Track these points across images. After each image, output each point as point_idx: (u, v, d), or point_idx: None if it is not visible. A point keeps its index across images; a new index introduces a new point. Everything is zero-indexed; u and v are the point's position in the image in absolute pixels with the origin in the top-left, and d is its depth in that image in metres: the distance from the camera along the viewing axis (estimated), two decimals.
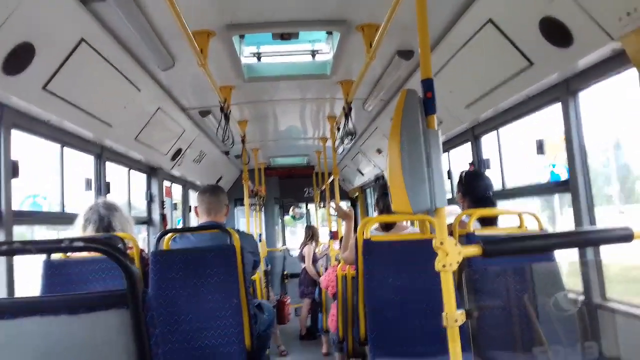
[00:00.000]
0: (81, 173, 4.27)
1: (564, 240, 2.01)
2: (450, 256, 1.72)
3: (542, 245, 2.05)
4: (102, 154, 4.36)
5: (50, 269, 2.97)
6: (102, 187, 4.39)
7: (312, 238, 8.48)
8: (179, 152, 5.85)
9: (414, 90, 1.84)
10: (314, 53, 4.23)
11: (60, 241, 1.23)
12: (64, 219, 3.70)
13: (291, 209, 11.52)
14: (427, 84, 1.82)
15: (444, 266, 1.72)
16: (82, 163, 4.20)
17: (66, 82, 3.08)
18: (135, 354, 1.23)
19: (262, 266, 6.27)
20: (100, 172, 4.38)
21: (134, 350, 1.23)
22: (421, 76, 1.84)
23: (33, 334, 1.22)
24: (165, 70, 3.66)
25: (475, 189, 3.62)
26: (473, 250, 1.77)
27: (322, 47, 4.15)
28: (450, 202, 4.20)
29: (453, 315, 1.70)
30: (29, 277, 3.24)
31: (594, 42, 2.44)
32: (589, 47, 2.51)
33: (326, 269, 7.76)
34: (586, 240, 2.13)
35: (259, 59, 4.27)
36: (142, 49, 3.31)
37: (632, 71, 2.39)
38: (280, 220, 11.61)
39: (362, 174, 9.18)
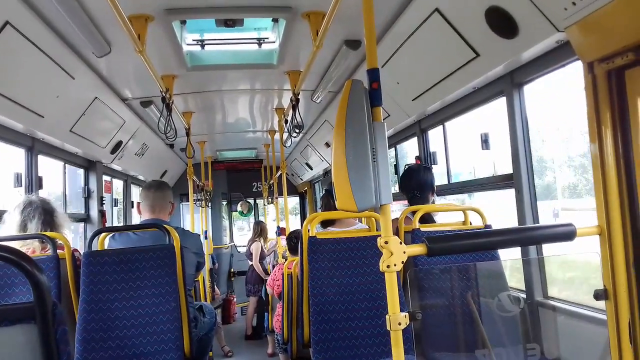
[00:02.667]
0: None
1: (508, 237, 1.99)
2: (394, 256, 1.66)
3: (486, 243, 2.02)
4: (34, 146, 4.09)
5: None
6: (34, 183, 4.13)
7: (261, 234, 8.36)
8: (119, 144, 5.59)
9: (360, 80, 1.77)
10: (260, 41, 4.10)
11: None
12: None
13: (239, 205, 11.32)
14: (373, 74, 1.75)
15: (388, 267, 1.65)
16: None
17: None
18: None
19: (207, 265, 6.10)
20: (31, 166, 4.11)
21: None
22: (367, 66, 1.76)
23: None
24: (101, 57, 3.44)
25: (406, 187, 3.63)
26: (417, 249, 1.72)
27: (269, 36, 4.03)
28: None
29: (397, 318, 1.64)
30: None
31: (540, 33, 2.43)
32: (534, 39, 2.50)
33: (273, 266, 7.67)
34: (530, 238, 2.13)
35: (202, 46, 4.09)
36: (75, 33, 3.09)
37: (577, 64, 2.39)
38: (227, 216, 11.39)
39: (311, 169, 9.11)
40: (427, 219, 3.41)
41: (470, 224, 3.37)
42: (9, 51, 2.90)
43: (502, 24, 2.56)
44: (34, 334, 1.09)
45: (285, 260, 5.94)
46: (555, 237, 1.93)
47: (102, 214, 5.61)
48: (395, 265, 1.67)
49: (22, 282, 2.79)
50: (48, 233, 2.91)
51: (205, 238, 7.44)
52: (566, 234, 1.86)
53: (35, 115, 3.60)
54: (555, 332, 2.86)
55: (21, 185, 4.02)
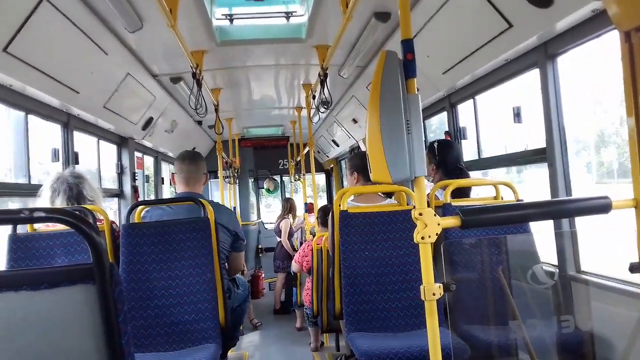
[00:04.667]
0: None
1: (543, 210, 1.98)
2: (429, 227, 1.67)
3: (520, 215, 2.02)
4: (69, 122, 4.19)
5: (16, 243, 2.86)
6: (70, 158, 4.23)
7: (290, 211, 8.42)
8: (150, 121, 5.68)
9: (394, 51, 1.76)
10: (288, 15, 4.09)
11: (19, 211, 1.14)
12: (31, 189, 3.55)
13: (265, 182, 11.40)
14: (408, 45, 1.74)
15: (422, 238, 1.66)
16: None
17: (28, 45, 2.91)
18: (103, 331, 1.15)
19: None
20: (67, 141, 4.22)
21: (101, 327, 1.15)
22: (401, 36, 1.76)
23: None
24: (134, 32, 3.49)
25: (448, 160, 3.59)
26: (452, 221, 1.73)
27: (297, 9, 4.02)
28: None
29: (431, 289, 1.66)
30: None
31: (575, 1, 2.38)
32: (570, 7, 2.46)
33: (301, 243, 7.73)
34: (564, 210, 2.11)
35: (231, 21, 4.11)
36: (108, 8, 3.14)
37: (613, 34, 2.34)
38: (254, 193, 11.49)
39: (337, 145, 9.11)
40: (462, 193, 3.39)
41: (502, 199, 3.35)
42: (45, 27, 2.96)
43: None
44: (93, 293, 1.15)
45: (313, 236, 6.01)
46: (591, 210, 1.91)
47: (135, 189, 5.72)
48: (429, 236, 1.68)
49: (64, 252, 2.90)
50: (87, 206, 2.99)
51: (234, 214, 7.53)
52: (601, 207, 1.84)
53: (71, 90, 3.68)
54: (587, 305, 2.86)
55: (58, 161, 4.13)
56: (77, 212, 1.17)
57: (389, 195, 3.59)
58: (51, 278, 1.15)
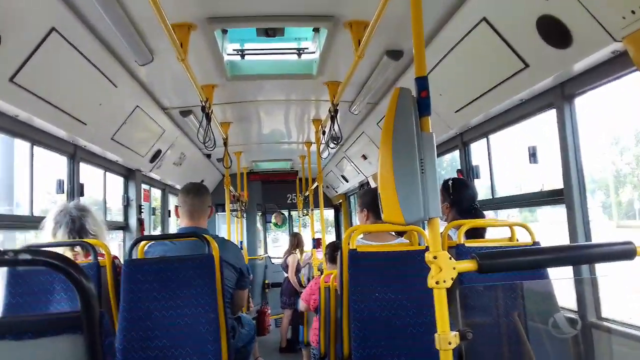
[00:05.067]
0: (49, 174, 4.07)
1: (564, 255, 1.87)
2: (443, 271, 1.58)
3: (540, 260, 1.91)
4: (76, 154, 4.15)
5: (15, 278, 2.77)
6: (76, 190, 4.18)
7: (298, 246, 8.30)
8: (158, 153, 5.65)
9: (408, 88, 1.70)
10: (300, 52, 4.08)
11: (3, 253, 1.05)
12: (33, 222, 3.49)
13: (273, 216, 11.31)
14: (422, 83, 1.69)
15: (437, 282, 1.57)
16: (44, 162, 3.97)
17: (36, 75, 2.90)
18: None
19: None
20: (73, 173, 4.17)
21: None
22: (415, 74, 1.70)
23: None
24: (144, 65, 3.48)
25: (463, 199, 3.49)
26: (468, 265, 1.63)
27: (309, 46, 4.01)
28: None
29: (447, 338, 1.55)
30: None
31: (595, 43, 2.32)
32: (589, 48, 2.40)
33: (308, 279, 7.59)
34: (586, 256, 2.00)
35: (242, 56, 4.10)
36: (119, 41, 3.13)
37: (635, 75, 2.28)
38: (262, 227, 11.39)
39: (347, 181, 9.04)
40: (477, 233, 3.28)
41: (517, 240, 3.24)
42: (54, 57, 2.94)
43: (555, 33, 2.46)
44: (81, 345, 1.05)
45: (321, 272, 5.88)
46: (614, 256, 1.81)
47: (140, 222, 5.65)
48: (444, 281, 1.58)
49: (64, 288, 2.80)
50: (89, 240, 2.91)
51: (241, 248, 7.44)
52: (625, 253, 1.74)
53: (79, 122, 3.65)
54: (610, 355, 2.71)
55: (63, 192, 4.08)
56: (65, 255, 1.08)
57: (400, 233, 3.49)
58: (35, 327, 1.05)
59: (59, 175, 4.11)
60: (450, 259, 1.60)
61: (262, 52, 4.18)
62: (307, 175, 8.02)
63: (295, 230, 10.85)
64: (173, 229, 7.19)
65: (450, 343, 1.58)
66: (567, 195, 2.95)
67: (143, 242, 3.10)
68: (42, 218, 3.15)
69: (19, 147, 3.44)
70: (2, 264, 1.06)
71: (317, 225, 7.96)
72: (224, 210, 7.32)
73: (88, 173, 4.51)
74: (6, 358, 1.06)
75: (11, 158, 3.65)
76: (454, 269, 1.60)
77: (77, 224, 3.01)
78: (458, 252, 3.00)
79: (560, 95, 2.92)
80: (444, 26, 3.13)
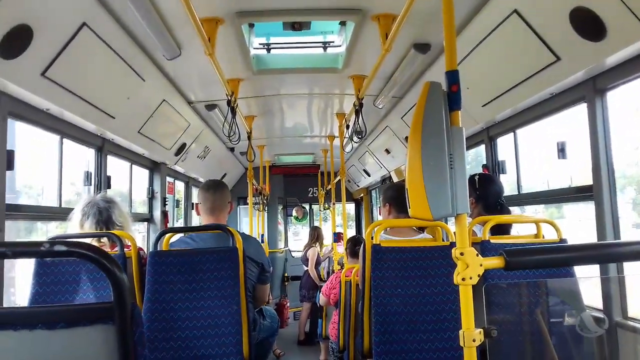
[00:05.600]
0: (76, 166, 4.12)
1: (591, 253, 1.84)
2: (470, 268, 1.57)
3: (567, 258, 1.88)
4: (104, 147, 4.21)
5: (42, 267, 2.82)
6: (103, 182, 4.24)
7: (317, 240, 8.32)
8: (183, 147, 5.70)
9: (438, 82, 1.69)
10: (325, 45, 4.07)
11: (39, 244, 1.07)
12: (61, 213, 3.56)
13: (294, 210, 11.34)
14: (453, 77, 1.68)
15: (463, 279, 1.55)
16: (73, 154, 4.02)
17: (66, 69, 2.94)
18: None
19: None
20: (100, 165, 4.23)
21: None
22: (446, 67, 1.69)
23: (3, 350, 1.05)
24: (172, 59, 3.51)
25: (489, 195, 3.44)
26: (495, 262, 1.61)
27: (335, 39, 4.00)
28: None
29: (471, 335, 1.54)
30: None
31: (629, 35, 2.27)
32: (623, 41, 2.34)
33: (328, 273, 7.61)
34: (616, 254, 1.96)
35: (268, 50, 4.11)
36: (147, 35, 3.16)
37: None
38: (283, 221, 11.44)
39: (369, 175, 9.02)
40: (502, 230, 3.24)
41: (543, 237, 3.19)
42: (85, 52, 2.98)
43: (588, 25, 2.41)
44: (113, 334, 1.07)
45: (341, 267, 5.88)
46: None
47: (164, 214, 5.72)
48: (470, 278, 1.57)
49: (89, 278, 2.85)
50: (116, 232, 2.95)
51: (262, 242, 7.48)
52: None
53: (107, 115, 3.70)
54: (635, 353, 2.66)
55: (90, 184, 4.14)
56: (98, 246, 1.10)
57: (421, 228, 3.47)
58: (68, 316, 1.07)
59: (82, 168, 4.17)
60: (477, 255, 1.59)
61: (287, 46, 4.18)
62: (329, 169, 8.01)
63: (316, 224, 10.87)
64: (196, 221, 7.25)
65: (474, 340, 1.57)
66: (596, 192, 2.89)
67: (168, 235, 3.14)
68: (70, 209, 3.22)
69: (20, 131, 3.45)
70: (38, 254, 1.08)
71: (338, 219, 7.97)
72: (246, 204, 7.37)
73: (112, 166, 4.56)
74: (39, 347, 1.08)
75: (60, 157, 3.68)
76: (481, 265, 1.59)
77: (104, 216, 3.05)
78: (483, 248, 2.97)
79: (592, 89, 2.86)
80: (473, 18, 3.09)
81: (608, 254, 1.94)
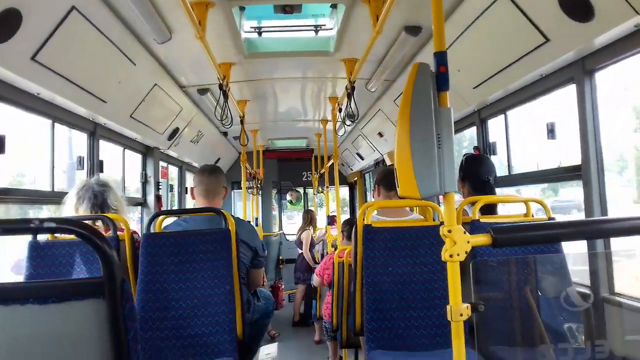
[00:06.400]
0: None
1: (578, 230, 1.87)
2: (458, 245, 1.60)
3: (554, 235, 1.92)
4: (96, 131, 4.21)
5: (36, 250, 2.84)
6: (95, 166, 4.25)
7: (310, 223, 8.39)
8: (176, 131, 5.70)
9: (426, 63, 1.71)
10: (317, 28, 4.07)
11: (29, 221, 1.09)
12: (54, 197, 3.57)
13: (288, 194, 11.38)
14: (441, 58, 1.70)
15: (450, 256, 1.59)
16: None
17: (56, 53, 2.93)
18: (111, 349, 1.10)
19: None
20: (93, 150, 4.24)
21: (110, 345, 1.10)
22: (434, 48, 1.70)
23: None
24: (162, 43, 3.50)
25: (475, 174, 3.50)
26: (482, 239, 1.64)
27: (326, 22, 3.99)
28: None
29: (458, 309, 1.58)
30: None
31: (617, 16, 2.29)
32: (611, 22, 2.36)
33: (322, 255, 7.67)
34: (602, 230, 1.99)
35: (259, 34, 4.10)
36: (137, 19, 3.15)
37: None
38: (277, 205, 11.48)
39: (362, 159, 9.05)
40: (489, 209, 3.29)
41: (533, 217, 3.24)
42: (75, 36, 2.97)
43: (576, 6, 2.42)
44: (103, 309, 1.10)
45: (335, 249, 5.93)
46: (631, 230, 1.80)
47: (158, 198, 5.73)
48: (458, 255, 1.61)
49: (83, 260, 2.88)
50: (109, 214, 2.97)
51: (256, 225, 7.52)
52: None
53: (98, 100, 3.69)
54: (621, 329, 2.72)
55: (83, 168, 4.15)
56: (89, 224, 1.13)
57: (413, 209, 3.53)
58: (59, 292, 1.10)
59: (72, 153, 4.18)
60: (464, 233, 1.62)
61: (279, 29, 4.17)
62: (322, 153, 8.04)
63: (310, 208, 10.93)
64: (190, 205, 7.27)
65: (461, 315, 1.60)
66: (584, 171, 2.93)
67: (161, 217, 3.16)
68: (63, 193, 3.23)
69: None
70: (28, 231, 1.10)
71: (333, 205, 8.01)
72: (240, 188, 7.39)
73: (105, 152, 4.56)
74: (31, 321, 1.11)
75: (52, 142, 3.66)
76: (468, 242, 1.62)
77: (99, 199, 3.07)
78: (472, 227, 3.02)
79: (581, 70, 2.88)
80: (463, 1, 3.10)
81: (595, 230, 1.97)
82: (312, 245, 8.21)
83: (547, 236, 1.93)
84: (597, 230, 2.00)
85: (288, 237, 10.68)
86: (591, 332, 2.33)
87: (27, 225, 1.08)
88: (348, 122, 5.05)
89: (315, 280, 5.75)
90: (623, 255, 2.98)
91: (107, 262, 1.08)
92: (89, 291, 1.10)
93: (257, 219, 8.69)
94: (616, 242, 2.88)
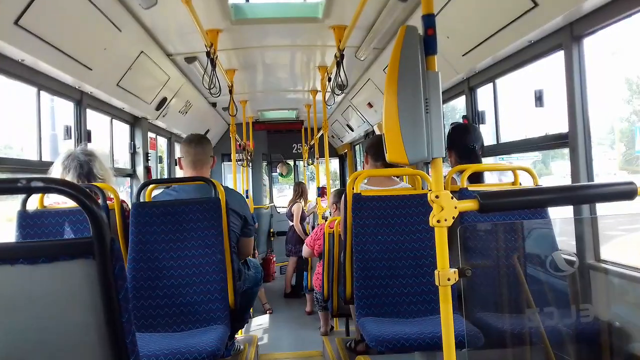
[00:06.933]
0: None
1: (564, 195, 1.90)
2: (445, 211, 1.61)
3: (540, 200, 1.94)
4: (82, 100, 4.15)
5: (25, 219, 2.84)
6: (83, 136, 4.21)
7: (301, 195, 8.41)
8: (164, 101, 5.63)
9: (414, 26, 1.69)
10: None
11: (16, 180, 1.08)
12: (41, 167, 3.54)
13: (278, 166, 11.36)
14: (429, 20, 1.67)
15: (438, 221, 1.60)
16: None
17: (40, 18, 2.86)
18: (102, 309, 1.10)
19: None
20: (80, 119, 4.18)
21: (101, 304, 1.10)
22: (422, 11, 1.68)
23: None
24: (148, 8, 3.42)
25: (461, 142, 3.53)
26: (469, 204, 1.66)
27: None
28: None
29: (446, 274, 1.60)
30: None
31: None
32: None
33: (313, 227, 7.72)
34: (587, 196, 2.02)
35: None
36: None
37: None
38: (267, 177, 11.48)
39: (352, 130, 9.03)
40: (477, 178, 3.31)
41: (520, 184, 3.27)
42: (58, 1, 2.91)
43: None
44: (93, 268, 1.10)
45: (326, 220, 5.97)
46: (614, 196, 1.83)
47: (147, 169, 5.71)
48: (445, 220, 1.62)
49: (73, 230, 2.88)
50: (98, 184, 2.96)
51: (247, 197, 7.52)
52: (626, 193, 1.76)
53: (84, 67, 3.63)
54: (606, 295, 2.77)
55: (71, 138, 4.11)
56: (76, 184, 1.12)
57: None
58: (49, 251, 1.10)
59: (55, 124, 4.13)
60: (452, 198, 1.63)
61: None
62: (312, 124, 8.00)
63: (301, 180, 10.94)
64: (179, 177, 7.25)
65: (449, 279, 1.62)
66: (571, 138, 2.94)
67: (151, 186, 3.16)
68: (50, 163, 3.20)
69: None
70: (15, 191, 1.09)
71: (324, 177, 8.03)
72: (230, 160, 7.37)
73: (94, 124, 4.51)
74: (21, 281, 1.11)
75: (38, 110, 3.60)
76: (455, 208, 1.63)
77: (85, 169, 3.06)
78: (461, 195, 3.04)
79: (569, 36, 2.87)
80: None
81: (579, 196, 2.00)
82: (303, 217, 8.24)
83: (533, 201, 1.95)
84: (583, 196, 2.03)
85: (279, 210, 10.71)
86: (577, 298, 2.38)
87: (14, 185, 1.07)
88: (338, 92, 5.02)
89: (306, 251, 5.80)
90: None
91: (95, 222, 1.08)
92: (79, 251, 1.10)
93: (247, 191, 8.70)
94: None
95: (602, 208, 2.93)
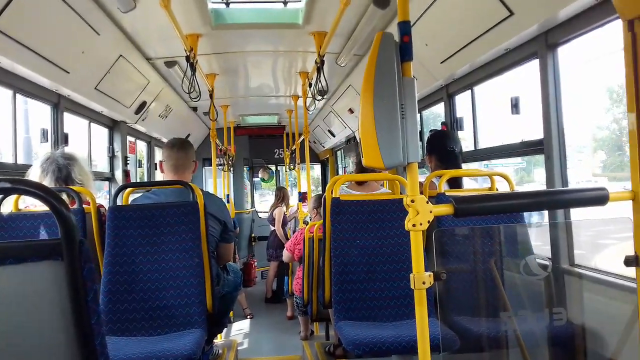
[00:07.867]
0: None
1: (538, 200, 1.93)
2: (420, 215, 1.62)
3: (514, 205, 1.97)
4: (60, 103, 4.10)
5: None
6: (60, 139, 4.16)
7: (283, 200, 8.40)
8: (143, 105, 5.59)
9: (390, 33, 1.71)
10: (285, 0, 4.02)
11: None
12: (16, 170, 3.49)
13: (260, 171, 11.34)
14: (404, 27, 1.69)
15: (413, 225, 1.61)
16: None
17: (17, 21, 2.83)
18: (71, 310, 1.09)
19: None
20: (57, 122, 4.14)
21: (69, 306, 1.09)
22: (398, 18, 1.70)
23: None
24: (127, 12, 3.41)
25: (440, 146, 3.59)
26: (444, 209, 1.67)
27: None
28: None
29: (421, 277, 1.61)
30: None
31: None
32: None
33: (294, 232, 7.72)
34: (560, 201, 2.05)
35: (227, 4, 4.04)
36: None
37: (616, 23, 2.29)
38: (249, 182, 11.45)
39: (333, 136, 9.06)
40: (455, 183, 3.35)
41: (497, 190, 3.31)
42: (35, 3, 2.88)
43: None
44: (62, 270, 1.09)
45: (306, 225, 5.97)
46: (587, 201, 1.86)
47: (126, 173, 5.66)
48: (421, 224, 1.63)
49: (48, 233, 2.84)
50: (75, 187, 2.93)
51: (228, 202, 7.49)
52: (598, 198, 1.79)
53: (61, 70, 3.60)
54: (580, 298, 2.82)
55: (47, 141, 4.06)
56: (45, 185, 1.11)
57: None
58: (17, 252, 1.09)
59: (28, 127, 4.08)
60: (427, 202, 1.65)
61: (247, 0, 4.11)
62: (294, 130, 8.01)
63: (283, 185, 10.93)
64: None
65: (424, 283, 1.63)
66: (546, 144, 2.99)
67: (128, 190, 3.13)
68: (27, 166, 3.16)
69: None
70: None
71: (305, 180, 8.03)
72: (210, 164, 7.34)
73: (72, 128, 4.46)
74: None
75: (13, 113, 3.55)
76: (431, 212, 1.64)
77: (63, 172, 3.02)
78: (438, 200, 3.07)
79: (544, 44, 2.92)
80: None
81: (552, 201, 2.03)
82: (284, 222, 8.23)
83: (507, 206, 1.99)
84: (555, 201, 2.06)
85: (260, 215, 10.68)
86: (551, 301, 2.42)
87: None
88: (318, 98, 5.03)
89: (286, 255, 5.78)
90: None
91: (64, 223, 1.07)
92: (47, 252, 1.09)
93: (228, 195, 8.66)
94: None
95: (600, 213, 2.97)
